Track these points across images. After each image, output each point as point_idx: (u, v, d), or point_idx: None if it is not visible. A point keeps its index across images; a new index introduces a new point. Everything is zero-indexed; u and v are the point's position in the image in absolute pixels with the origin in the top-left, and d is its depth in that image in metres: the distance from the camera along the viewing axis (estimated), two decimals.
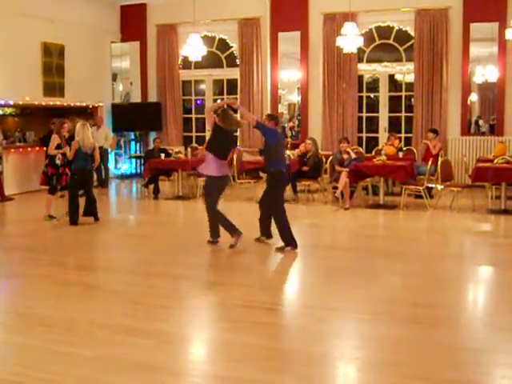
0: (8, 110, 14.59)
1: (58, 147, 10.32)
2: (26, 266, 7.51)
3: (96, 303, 6.03)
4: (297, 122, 16.55)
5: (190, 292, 6.48)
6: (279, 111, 16.03)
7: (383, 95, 15.20)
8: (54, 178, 10.37)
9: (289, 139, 16.08)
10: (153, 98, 16.96)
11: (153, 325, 5.32)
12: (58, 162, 10.36)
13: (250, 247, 8.47)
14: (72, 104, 15.07)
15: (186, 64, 16.39)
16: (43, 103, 14.27)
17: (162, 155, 13.40)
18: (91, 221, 10.01)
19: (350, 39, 12.22)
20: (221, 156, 8.04)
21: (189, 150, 14.41)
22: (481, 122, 14.63)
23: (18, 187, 13.32)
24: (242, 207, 11.95)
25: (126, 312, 5.69)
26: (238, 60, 15.98)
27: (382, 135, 14.91)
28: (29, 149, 13.74)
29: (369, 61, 15.15)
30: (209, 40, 15.75)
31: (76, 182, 9.99)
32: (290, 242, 7.96)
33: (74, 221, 9.87)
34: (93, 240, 9.38)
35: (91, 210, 10.06)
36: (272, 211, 8.16)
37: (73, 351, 4.71)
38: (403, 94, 15.24)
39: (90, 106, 15.81)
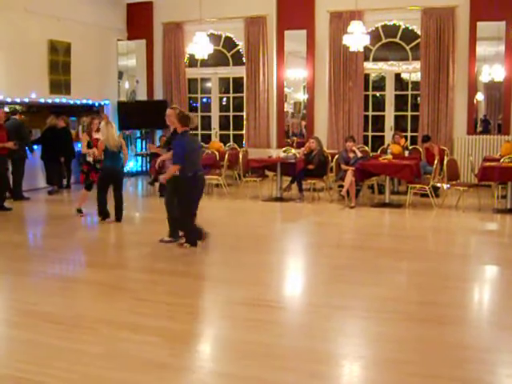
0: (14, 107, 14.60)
1: (89, 144, 10.37)
2: (32, 263, 7.54)
3: (101, 300, 6.05)
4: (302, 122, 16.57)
5: (195, 289, 6.49)
6: (285, 110, 16.04)
7: (389, 94, 15.18)
8: (89, 173, 10.50)
9: (294, 138, 16.09)
10: (159, 95, 16.99)
11: (158, 322, 5.33)
12: (89, 158, 10.41)
13: (254, 245, 8.48)
14: (78, 102, 15.11)
15: (192, 62, 16.42)
16: (49, 101, 14.31)
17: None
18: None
19: (357, 38, 12.21)
20: None
21: None
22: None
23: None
24: (246, 205, 11.97)
25: (132, 309, 5.70)
26: (244, 58, 15.99)
27: (388, 134, 14.90)
28: (35, 146, 13.75)
29: (375, 59, 15.13)
30: (215, 38, 15.77)
31: (103, 182, 9.88)
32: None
33: (103, 219, 9.92)
34: (98, 237, 9.40)
35: (117, 211, 9.99)
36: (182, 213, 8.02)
37: (78, 347, 4.72)
38: (409, 92, 15.22)
39: (96, 104, 15.84)
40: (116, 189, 9.99)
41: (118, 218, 9.97)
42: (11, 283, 6.76)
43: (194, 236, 7.98)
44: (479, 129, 14.41)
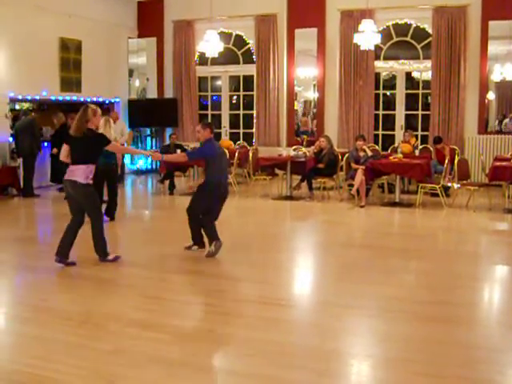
0: (25, 105, 14.68)
1: None
2: (42, 260, 7.56)
3: (111, 297, 6.06)
4: (310, 119, 16.54)
5: (204, 287, 6.49)
6: (295, 108, 16.03)
7: (400, 93, 15.14)
8: None
9: (304, 136, 16.07)
10: (169, 94, 17.01)
11: (167, 319, 5.34)
12: None
13: (263, 244, 8.48)
14: (89, 99, 15.15)
15: (203, 60, 16.43)
16: (60, 98, 14.36)
17: (178, 151, 13.41)
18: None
19: (367, 36, 12.17)
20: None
21: None
22: (506, 120, 14.41)
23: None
24: (256, 204, 11.96)
25: (141, 306, 5.71)
26: (254, 56, 15.98)
27: (399, 133, 14.86)
28: (45, 144, 13.82)
29: (386, 58, 15.08)
30: (225, 36, 15.77)
31: (98, 178, 9.82)
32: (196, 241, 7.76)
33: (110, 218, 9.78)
34: (108, 234, 9.39)
35: (110, 209, 9.91)
36: (192, 216, 7.63)
37: (88, 344, 4.74)
38: (420, 91, 15.16)
39: (107, 102, 15.89)
40: (110, 186, 9.95)
41: (112, 217, 9.89)
42: (21, 279, 6.79)
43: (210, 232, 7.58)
44: (496, 128, 14.33)
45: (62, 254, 7.05)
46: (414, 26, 14.61)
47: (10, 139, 12.92)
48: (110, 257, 7.29)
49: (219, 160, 7.60)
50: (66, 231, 7.11)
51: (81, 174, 7.00)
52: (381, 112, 15.30)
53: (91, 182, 7.15)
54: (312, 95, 16.19)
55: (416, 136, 14.32)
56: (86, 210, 7.19)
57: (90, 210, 7.18)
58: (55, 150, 13.18)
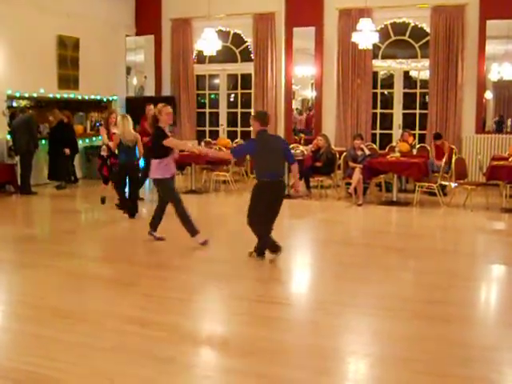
0: (23, 103, 14.65)
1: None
2: (40, 257, 7.56)
3: (109, 295, 6.06)
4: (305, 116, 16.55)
5: (202, 285, 6.49)
6: (293, 107, 16.03)
7: (398, 92, 15.14)
8: (102, 168, 10.54)
9: (302, 135, 16.07)
10: (167, 91, 16.99)
11: (165, 317, 5.34)
12: (103, 153, 10.40)
13: None
14: (86, 97, 15.14)
15: (201, 58, 16.41)
16: (58, 96, 14.34)
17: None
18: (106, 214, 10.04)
19: (366, 35, 12.19)
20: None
21: (202, 144, 14.43)
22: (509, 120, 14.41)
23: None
24: None
25: (139, 304, 5.71)
26: (252, 55, 15.97)
27: (396, 132, 14.86)
28: (43, 141, 13.80)
29: (384, 57, 15.08)
30: (223, 34, 15.74)
31: (119, 176, 9.94)
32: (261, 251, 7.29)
33: (131, 214, 9.89)
34: (108, 232, 9.42)
35: (130, 205, 9.98)
36: (248, 221, 7.18)
37: (86, 342, 4.74)
38: (418, 90, 15.16)
39: (104, 99, 15.87)
40: (131, 184, 9.99)
41: (132, 213, 9.94)
42: (19, 277, 6.78)
43: (263, 245, 7.21)
44: (495, 128, 14.33)
45: (152, 226, 8.26)
46: (412, 24, 14.59)
47: (8, 137, 12.91)
48: (200, 239, 7.86)
49: (262, 157, 7.05)
50: (156, 209, 8.30)
51: (154, 169, 7.89)
52: (378, 111, 15.30)
53: (167, 175, 7.92)
54: (310, 94, 16.18)
55: (413, 135, 14.33)
56: (165, 199, 8.12)
57: (168, 198, 8.04)
58: (67, 151, 13.34)
